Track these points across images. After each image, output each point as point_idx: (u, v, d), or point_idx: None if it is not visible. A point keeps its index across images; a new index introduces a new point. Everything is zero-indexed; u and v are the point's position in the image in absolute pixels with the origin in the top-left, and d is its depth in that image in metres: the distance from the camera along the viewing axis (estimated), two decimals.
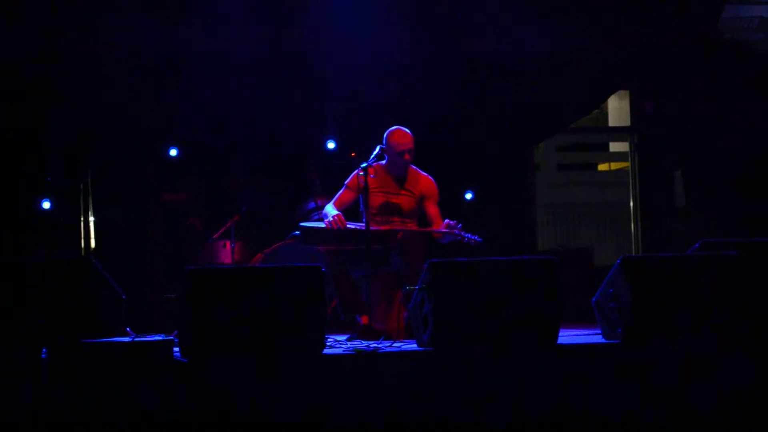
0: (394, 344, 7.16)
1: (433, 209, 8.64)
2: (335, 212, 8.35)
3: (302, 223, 8.59)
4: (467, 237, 8.35)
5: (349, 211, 8.53)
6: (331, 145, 11.47)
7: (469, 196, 11.84)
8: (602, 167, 27.25)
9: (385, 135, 8.53)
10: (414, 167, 8.66)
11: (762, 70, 12.32)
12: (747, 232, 10.32)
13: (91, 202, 11.65)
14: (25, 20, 10.47)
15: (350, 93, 11.20)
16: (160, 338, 6.68)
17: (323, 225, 8.35)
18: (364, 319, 8.25)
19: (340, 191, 8.63)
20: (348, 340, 8.00)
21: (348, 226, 8.30)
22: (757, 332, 6.91)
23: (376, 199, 8.47)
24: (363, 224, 8.12)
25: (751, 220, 11.78)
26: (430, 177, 8.70)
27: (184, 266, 6.56)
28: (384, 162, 8.57)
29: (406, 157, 8.49)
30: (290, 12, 11.02)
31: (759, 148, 12.31)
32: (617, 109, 15.07)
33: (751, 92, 12.29)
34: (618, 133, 16.10)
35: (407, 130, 8.52)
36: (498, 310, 6.69)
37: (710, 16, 12.17)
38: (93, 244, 11.69)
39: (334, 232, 8.29)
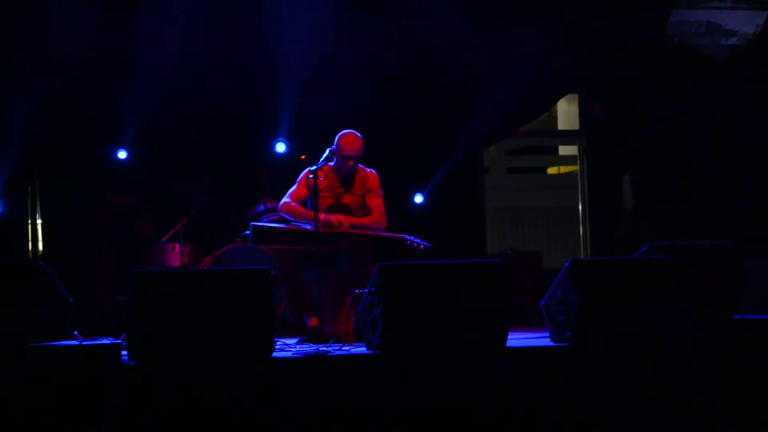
0: (344, 347, 7.17)
1: (371, 201, 8.65)
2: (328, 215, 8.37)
3: (253, 222, 8.60)
4: (416, 242, 8.39)
5: None
6: (280, 147, 11.44)
7: (419, 199, 11.85)
8: (551, 171, 27.31)
9: (336, 137, 8.55)
10: (361, 166, 8.68)
11: (709, 74, 12.40)
12: (694, 236, 10.39)
13: (38, 204, 11.55)
14: None
15: (300, 95, 11.18)
16: (108, 342, 6.64)
17: (275, 225, 8.39)
18: (313, 322, 8.27)
19: (294, 187, 8.65)
20: (298, 343, 8.00)
21: (301, 226, 8.32)
22: (704, 335, 6.97)
23: (325, 201, 8.49)
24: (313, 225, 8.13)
25: (699, 223, 11.86)
26: (374, 171, 8.72)
27: (133, 269, 6.53)
28: (333, 163, 8.58)
29: (350, 163, 8.53)
30: (240, 14, 11.00)
31: (707, 151, 12.39)
32: (567, 113, 15.14)
33: (698, 96, 12.37)
34: (567, 136, 16.16)
35: (358, 135, 8.54)
36: (447, 313, 6.71)
37: (658, 20, 12.24)
38: (41, 247, 11.60)
39: (285, 232, 8.30)
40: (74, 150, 11.22)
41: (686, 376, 6.82)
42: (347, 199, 8.59)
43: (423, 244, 8.40)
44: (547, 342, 7.22)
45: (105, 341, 6.67)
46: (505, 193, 23.20)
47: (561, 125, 15.98)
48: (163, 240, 10.75)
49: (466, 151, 12.44)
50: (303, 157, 10.34)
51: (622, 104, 12.88)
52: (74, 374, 6.24)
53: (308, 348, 7.31)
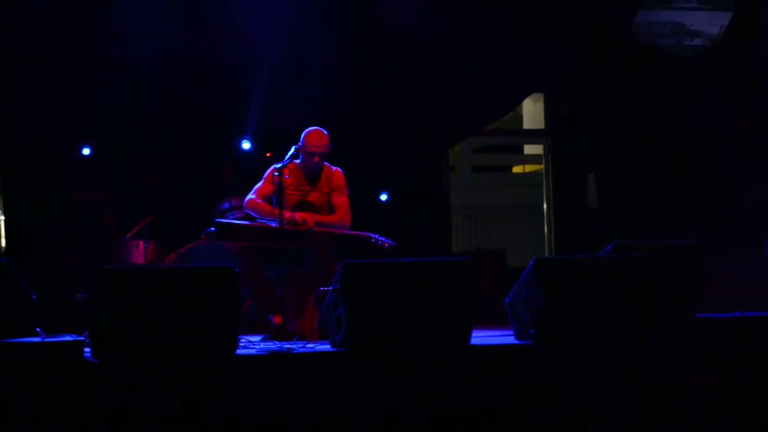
0: (308, 345, 7.17)
1: (336, 199, 8.65)
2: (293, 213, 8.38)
3: (218, 219, 8.58)
4: (381, 240, 8.40)
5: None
6: (246, 145, 11.42)
7: (384, 197, 11.85)
8: (516, 169, 27.40)
9: (302, 133, 8.54)
10: (327, 164, 8.67)
11: (674, 74, 12.46)
12: (657, 235, 10.44)
13: (1, 199, 11.49)
14: None
15: (266, 92, 11.17)
16: (71, 339, 6.61)
17: (239, 222, 8.38)
18: (277, 319, 8.26)
19: (260, 183, 8.64)
20: (262, 341, 7.99)
21: (266, 223, 8.33)
22: (668, 333, 7.00)
23: (291, 198, 8.48)
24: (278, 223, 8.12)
25: (662, 222, 11.92)
26: (339, 170, 8.72)
27: (97, 266, 6.51)
28: (299, 161, 8.57)
29: (316, 159, 8.52)
30: (207, 9, 10.97)
31: (670, 150, 12.45)
32: (532, 112, 15.21)
33: (663, 96, 12.44)
34: (532, 135, 16.22)
35: (324, 132, 8.53)
36: (412, 311, 6.71)
37: (624, 20, 12.29)
38: (3, 243, 11.53)
39: (250, 229, 8.30)
40: (38, 145, 11.16)
41: (648, 375, 6.84)
42: (312, 196, 8.58)
43: (388, 243, 8.41)
44: (511, 340, 7.25)
45: (68, 338, 6.64)
46: (470, 191, 23.25)
47: (526, 124, 16.05)
48: (127, 237, 10.71)
49: (431, 150, 12.46)
50: (268, 154, 10.33)
51: (587, 104, 12.93)
52: (36, 371, 6.20)
53: (272, 345, 7.31)
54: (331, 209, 8.63)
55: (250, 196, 8.63)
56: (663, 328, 6.98)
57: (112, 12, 10.64)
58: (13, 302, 6.79)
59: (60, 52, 10.77)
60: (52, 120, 11.03)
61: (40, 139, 11.13)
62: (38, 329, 6.93)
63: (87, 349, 6.47)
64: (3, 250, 11.50)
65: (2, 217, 11.53)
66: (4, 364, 6.19)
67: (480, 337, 7.48)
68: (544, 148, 14.07)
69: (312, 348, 6.99)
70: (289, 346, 7.15)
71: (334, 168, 8.71)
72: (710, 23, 12.60)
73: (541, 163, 14.54)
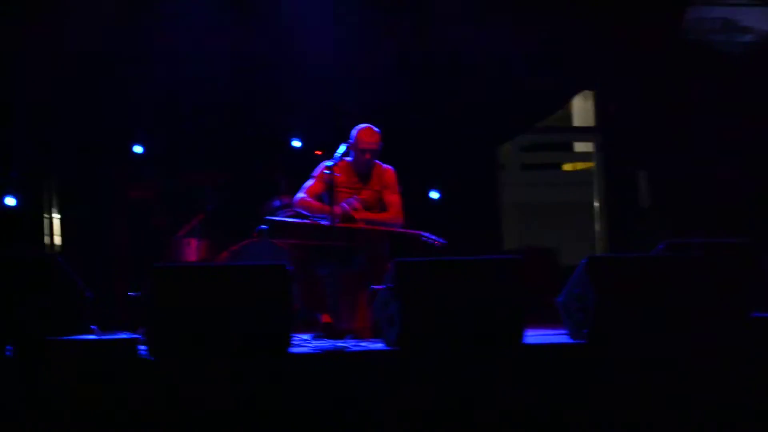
0: (361, 344, 7.17)
1: (388, 197, 8.62)
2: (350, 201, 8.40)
3: (269, 217, 8.60)
4: (431, 239, 8.38)
5: None
6: (296, 143, 11.45)
7: (434, 195, 11.84)
8: (567, 167, 27.32)
9: (353, 130, 8.54)
10: (378, 162, 8.67)
11: (724, 71, 12.39)
12: (711, 233, 10.38)
13: (55, 199, 11.58)
14: None
15: (316, 91, 11.18)
16: (126, 336, 6.66)
17: (291, 219, 8.40)
18: (325, 318, 8.26)
19: (311, 181, 8.61)
20: (313, 338, 8.01)
21: (317, 221, 8.34)
22: (722, 332, 6.95)
23: (341, 196, 8.47)
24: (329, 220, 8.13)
25: (715, 221, 11.84)
26: (391, 168, 8.70)
27: (150, 264, 6.55)
28: (350, 158, 8.57)
29: (367, 156, 8.49)
30: (258, 8, 11.01)
31: (722, 148, 12.38)
32: (582, 109, 15.15)
33: (714, 93, 12.36)
34: (582, 133, 16.17)
35: (376, 129, 8.52)
36: (464, 309, 6.71)
37: (674, 16, 12.22)
38: (58, 241, 11.62)
39: (301, 227, 8.31)
40: (92, 144, 11.24)
41: (702, 374, 6.80)
42: (364, 194, 8.57)
43: (438, 241, 8.39)
44: (564, 339, 7.22)
45: (122, 336, 6.69)
46: (520, 189, 23.22)
47: (576, 122, 15.99)
48: (179, 235, 10.77)
49: (481, 148, 12.45)
50: (318, 152, 10.34)
51: (638, 101, 12.86)
52: (92, 369, 6.25)
53: (325, 344, 7.32)
54: (382, 207, 8.62)
55: (300, 194, 8.63)
56: (717, 327, 6.93)
57: (164, 10, 10.69)
58: (69, 300, 6.85)
59: (113, 51, 10.83)
60: (105, 119, 11.10)
61: (94, 139, 11.21)
62: (93, 327, 6.99)
63: (142, 347, 6.52)
64: (59, 248, 11.60)
65: (58, 216, 11.62)
66: (60, 362, 6.25)
67: (533, 335, 7.45)
68: (595, 146, 14.02)
69: (365, 346, 7.00)
70: (342, 344, 7.16)
71: (386, 166, 8.69)
72: (762, 19, 12.51)
73: (591, 160, 14.48)
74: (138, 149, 11.33)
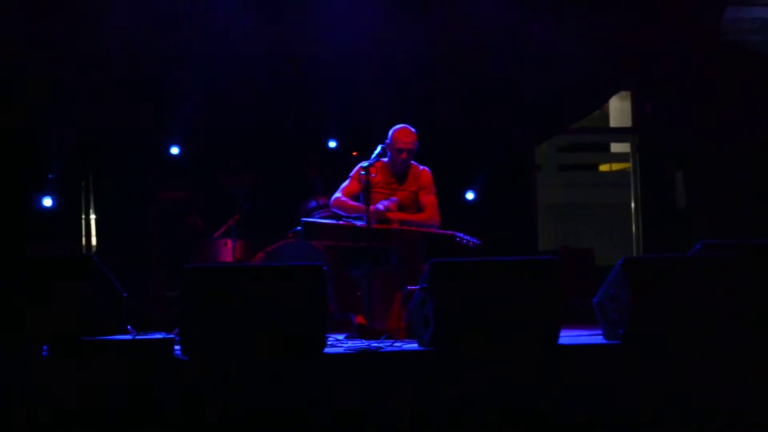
0: (395, 344, 7.17)
1: (424, 198, 8.63)
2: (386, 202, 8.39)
3: (304, 218, 8.62)
4: (466, 239, 8.37)
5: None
6: (332, 144, 11.47)
7: (470, 196, 11.83)
8: (603, 168, 27.25)
9: (390, 131, 8.55)
10: (414, 163, 8.67)
11: (762, 72, 12.32)
12: (748, 234, 10.32)
13: (92, 199, 11.64)
14: (25, 20, 10.47)
15: (352, 92, 11.19)
16: (161, 336, 6.68)
17: (326, 221, 8.42)
18: (358, 319, 8.27)
19: (347, 182, 8.65)
20: (347, 338, 8.02)
21: (352, 222, 8.34)
22: (758, 334, 6.91)
23: (377, 197, 8.48)
24: (364, 221, 8.13)
25: (752, 221, 11.78)
26: (427, 168, 8.71)
27: (185, 264, 6.56)
28: (386, 159, 8.58)
29: (404, 156, 8.51)
30: (291, 10, 11.02)
31: (760, 149, 12.31)
32: (618, 110, 15.08)
33: (751, 93, 12.29)
34: (619, 134, 16.09)
35: (412, 130, 8.53)
36: (499, 310, 6.69)
37: (712, 16, 12.16)
38: (94, 242, 11.68)
39: (336, 228, 8.33)
40: (127, 145, 11.30)
41: (739, 376, 6.76)
42: (400, 195, 8.58)
43: (473, 242, 8.38)
44: (599, 340, 7.19)
45: (158, 336, 6.71)
46: (556, 190, 23.18)
47: (613, 122, 15.91)
48: (215, 235, 10.80)
49: (517, 148, 12.43)
50: (354, 153, 10.35)
51: (675, 101, 12.81)
52: (128, 369, 6.27)
53: (360, 344, 7.32)
54: (418, 208, 8.62)
55: (337, 194, 8.65)
56: (754, 329, 6.89)
57: (198, 12, 10.72)
58: (105, 300, 6.88)
59: (148, 52, 10.87)
60: (141, 120, 11.16)
61: (130, 140, 11.27)
62: (129, 327, 7.02)
63: (177, 347, 6.54)
64: (94, 249, 11.66)
65: (93, 217, 11.68)
66: (96, 362, 6.27)
67: (568, 336, 7.43)
68: (632, 146, 13.97)
69: (400, 347, 7.00)
70: (376, 344, 7.16)
71: (422, 167, 8.70)
72: None
73: (628, 161, 14.43)
74: (174, 150, 11.37)
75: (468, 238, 8.40)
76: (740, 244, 7.47)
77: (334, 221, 8.53)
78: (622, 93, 14.22)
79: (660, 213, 13.24)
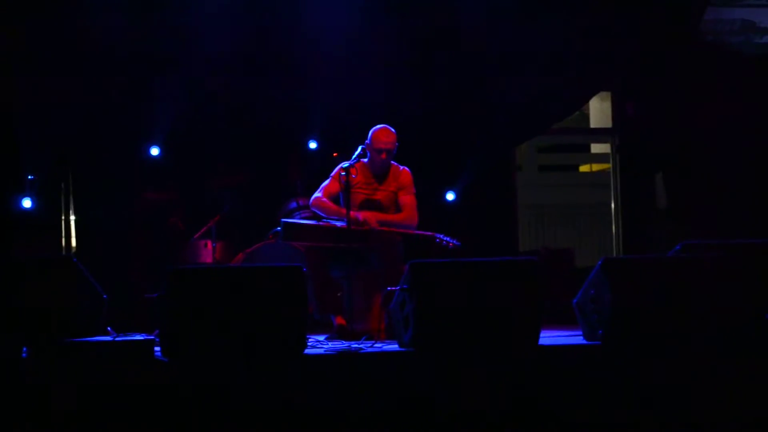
0: (375, 345, 7.17)
1: (403, 198, 8.63)
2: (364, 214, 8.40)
3: (284, 219, 8.62)
4: (446, 240, 8.38)
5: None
6: (312, 145, 11.46)
7: (450, 196, 11.83)
8: (583, 169, 27.29)
9: (370, 131, 8.56)
10: (395, 163, 8.68)
11: (743, 73, 12.34)
12: (727, 235, 10.34)
13: (72, 201, 11.60)
14: (4, 20, 10.43)
15: (332, 92, 11.18)
16: (141, 338, 6.67)
17: (305, 222, 8.41)
18: (339, 320, 8.27)
19: (327, 182, 8.63)
20: (327, 339, 8.02)
21: (332, 223, 8.34)
22: (737, 333, 6.93)
23: (357, 197, 8.48)
24: (344, 222, 8.13)
25: (732, 222, 11.80)
26: (407, 169, 8.71)
27: (166, 266, 6.56)
28: (366, 159, 8.57)
29: (383, 156, 8.51)
30: (272, 12, 11.00)
31: (739, 149, 12.33)
32: (599, 111, 15.08)
33: (731, 94, 12.32)
34: (599, 134, 16.11)
35: (392, 130, 8.53)
36: (479, 311, 6.70)
37: (692, 18, 12.18)
38: (74, 243, 11.64)
39: (315, 229, 8.32)
40: (108, 147, 11.26)
41: (718, 376, 6.78)
42: (379, 195, 8.58)
43: (453, 243, 8.40)
44: (579, 340, 7.21)
45: (138, 337, 6.70)
46: (536, 190, 23.20)
47: (593, 123, 15.92)
48: (195, 237, 10.79)
49: (497, 149, 12.43)
50: (335, 154, 10.35)
51: (655, 102, 12.83)
52: (107, 370, 6.26)
53: (340, 345, 7.32)
54: (397, 208, 8.62)
55: (317, 194, 8.64)
56: (734, 329, 6.91)
57: (180, 13, 10.69)
58: (85, 302, 6.87)
59: (128, 53, 10.83)
60: (122, 121, 11.12)
61: (110, 140, 11.23)
62: (109, 328, 7.01)
63: (157, 348, 6.53)
64: (74, 250, 11.62)
65: (73, 218, 11.65)
66: (76, 363, 6.26)
67: (548, 337, 7.45)
68: (612, 147, 13.98)
69: (380, 348, 7.01)
70: (356, 345, 7.16)
71: (402, 167, 8.70)
72: None
73: (608, 162, 14.44)
74: (154, 152, 11.34)
75: (448, 239, 8.41)
76: (720, 244, 7.50)
77: (313, 222, 8.53)
78: (603, 93, 14.22)
79: (640, 213, 13.25)
